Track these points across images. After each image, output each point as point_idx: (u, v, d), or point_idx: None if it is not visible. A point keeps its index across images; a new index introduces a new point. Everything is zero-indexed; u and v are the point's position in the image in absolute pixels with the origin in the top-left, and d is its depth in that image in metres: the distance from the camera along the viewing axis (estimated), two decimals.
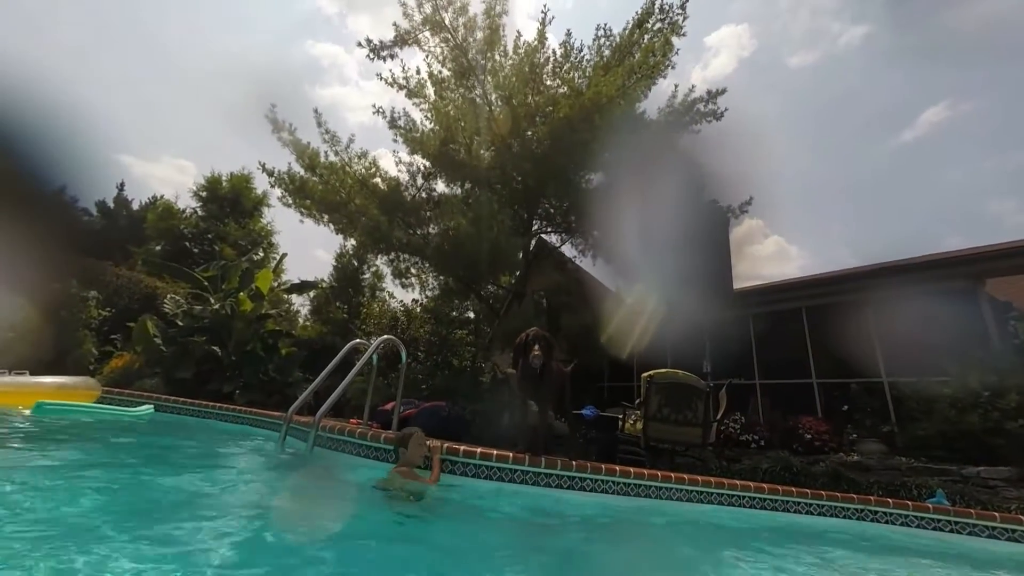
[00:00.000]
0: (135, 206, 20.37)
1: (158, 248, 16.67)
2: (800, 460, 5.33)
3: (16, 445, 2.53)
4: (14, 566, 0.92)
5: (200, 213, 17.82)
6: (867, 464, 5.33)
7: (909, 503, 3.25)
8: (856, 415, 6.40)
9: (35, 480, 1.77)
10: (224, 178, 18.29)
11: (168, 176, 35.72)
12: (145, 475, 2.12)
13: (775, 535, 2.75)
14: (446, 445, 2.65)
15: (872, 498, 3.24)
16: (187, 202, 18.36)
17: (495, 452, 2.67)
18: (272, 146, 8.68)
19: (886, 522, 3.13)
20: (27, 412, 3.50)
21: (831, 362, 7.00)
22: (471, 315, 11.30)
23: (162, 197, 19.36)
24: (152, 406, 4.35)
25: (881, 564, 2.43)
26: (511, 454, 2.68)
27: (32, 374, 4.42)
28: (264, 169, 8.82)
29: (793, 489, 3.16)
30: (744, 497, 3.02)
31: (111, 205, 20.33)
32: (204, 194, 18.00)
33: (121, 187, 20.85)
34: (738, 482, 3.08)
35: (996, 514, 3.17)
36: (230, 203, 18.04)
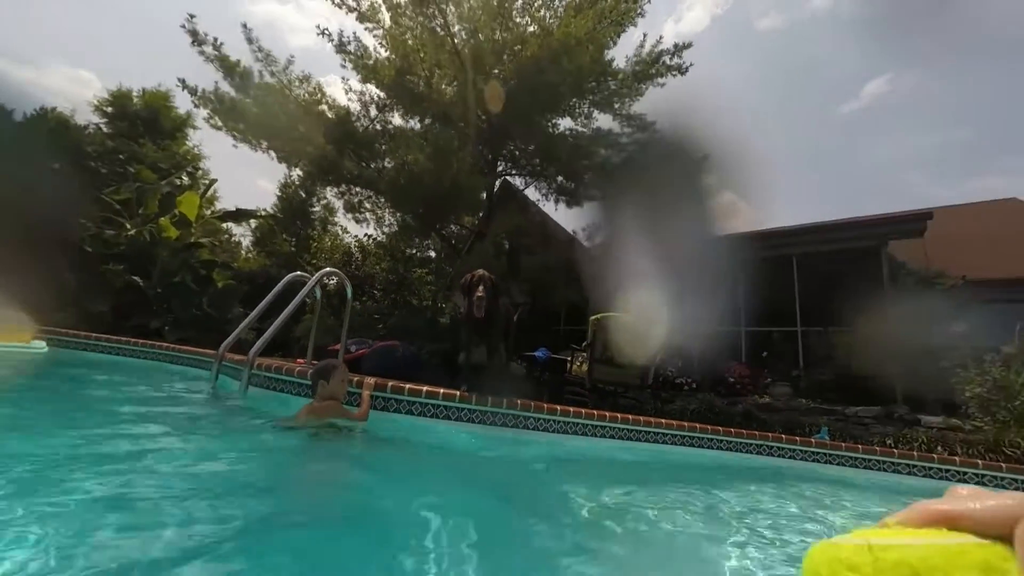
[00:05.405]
0: (17, 118, 16.95)
1: (55, 166, 14.31)
2: (723, 402, 5.98)
3: None
4: None
5: (106, 130, 15.38)
6: (775, 405, 6.11)
7: (797, 438, 3.80)
8: (773, 361, 7.20)
9: None
10: (135, 93, 15.73)
11: (61, 87, 29.90)
12: (35, 423, 1.88)
13: (694, 470, 3.13)
14: (390, 383, 2.66)
15: (769, 435, 3.75)
16: (88, 117, 15.65)
17: (441, 391, 2.73)
18: (195, 62, 7.52)
19: (779, 455, 3.66)
20: None
21: (760, 312, 7.72)
22: (432, 254, 11.06)
23: (54, 109, 16.25)
24: (45, 343, 3.74)
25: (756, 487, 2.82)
26: (457, 392, 2.75)
27: None
28: (185, 86, 7.70)
29: (708, 427, 3.57)
30: (668, 435, 3.37)
31: None
32: (110, 109, 15.48)
33: None
34: (663, 421, 3.42)
35: (859, 447, 3.81)
36: (144, 122, 15.72)
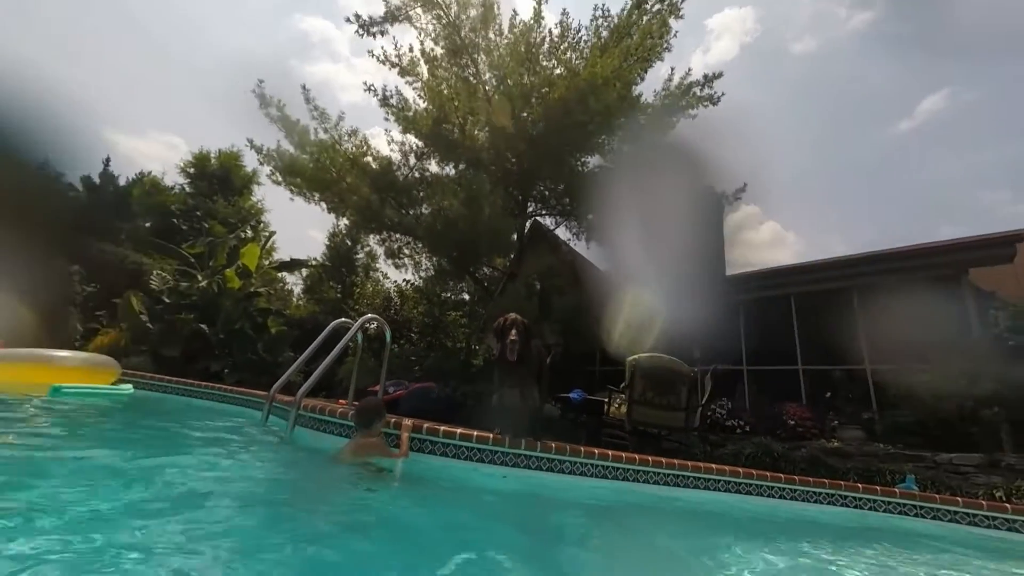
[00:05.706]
0: (121, 182, 19.89)
1: (146, 224, 16.45)
2: (782, 446, 5.43)
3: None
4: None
5: (188, 190, 17.58)
6: (846, 451, 5.45)
7: (877, 488, 3.33)
8: (838, 402, 6.51)
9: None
10: (213, 155, 17.99)
11: (157, 152, 34.83)
12: (110, 457, 2.09)
13: (747, 520, 2.82)
14: (425, 426, 2.67)
15: (842, 483, 3.32)
16: (175, 178, 18.09)
17: (475, 433, 2.69)
18: (261, 123, 8.52)
19: (855, 507, 3.22)
20: (43, 397, 3.26)
21: (817, 349, 7.08)
22: (466, 297, 11.33)
23: (149, 173, 18.96)
24: (131, 385, 4.25)
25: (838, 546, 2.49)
26: (490, 435, 2.70)
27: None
28: (252, 146, 8.68)
29: (767, 474, 3.23)
30: (719, 481, 3.08)
31: (96, 180, 19.82)
32: (192, 170, 17.78)
33: (107, 162, 20.29)
34: (714, 466, 3.14)
35: (959, 499, 3.27)
36: (219, 180, 17.82)
